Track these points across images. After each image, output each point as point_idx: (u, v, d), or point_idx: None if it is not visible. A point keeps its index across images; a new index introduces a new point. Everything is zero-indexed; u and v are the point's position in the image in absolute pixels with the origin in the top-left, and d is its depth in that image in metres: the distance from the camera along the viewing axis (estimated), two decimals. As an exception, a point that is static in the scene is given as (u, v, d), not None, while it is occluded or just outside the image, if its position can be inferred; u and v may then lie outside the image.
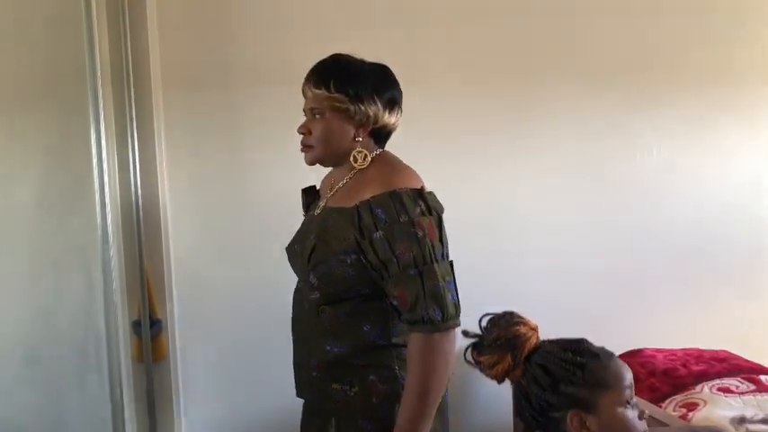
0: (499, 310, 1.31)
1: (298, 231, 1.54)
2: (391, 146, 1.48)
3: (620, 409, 1.09)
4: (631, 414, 1.10)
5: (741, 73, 2.66)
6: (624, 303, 2.48)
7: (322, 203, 1.48)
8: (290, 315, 1.51)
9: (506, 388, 2.39)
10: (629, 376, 1.12)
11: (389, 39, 2.21)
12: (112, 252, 1.92)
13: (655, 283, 2.54)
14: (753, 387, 1.62)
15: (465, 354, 1.19)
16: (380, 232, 1.31)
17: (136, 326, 2.06)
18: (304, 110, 1.45)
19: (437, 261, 1.31)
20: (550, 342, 1.17)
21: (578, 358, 1.12)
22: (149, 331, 2.06)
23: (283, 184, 1.89)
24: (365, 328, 1.38)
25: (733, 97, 2.66)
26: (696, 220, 2.65)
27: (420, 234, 1.30)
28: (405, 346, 1.35)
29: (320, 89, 1.39)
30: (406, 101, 1.48)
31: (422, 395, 1.29)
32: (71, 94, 1.92)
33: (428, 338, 1.28)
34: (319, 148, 1.44)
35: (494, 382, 2.07)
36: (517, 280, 2.36)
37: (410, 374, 1.31)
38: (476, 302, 1.36)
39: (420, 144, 2.08)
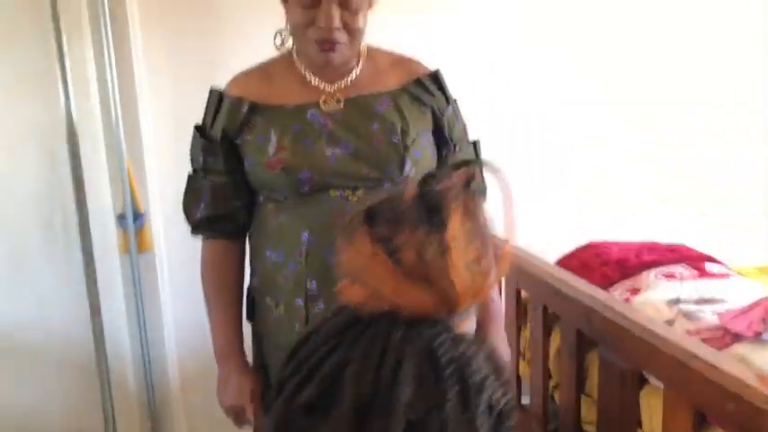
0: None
1: (305, 133, 1.23)
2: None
3: None
4: None
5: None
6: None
7: (329, 98, 1.25)
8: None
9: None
10: None
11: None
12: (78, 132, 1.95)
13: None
14: (695, 273, 1.67)
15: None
16: (450, 107, 1.33)
17: (120, 219, 2.10)
18: None
19: None
20: None
21: None
22: (133, 224, 2.09)
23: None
24: None
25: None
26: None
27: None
28: None
29: None
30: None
31: None
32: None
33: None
34: (354, 45, 1.22)
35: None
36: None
37: None
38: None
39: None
